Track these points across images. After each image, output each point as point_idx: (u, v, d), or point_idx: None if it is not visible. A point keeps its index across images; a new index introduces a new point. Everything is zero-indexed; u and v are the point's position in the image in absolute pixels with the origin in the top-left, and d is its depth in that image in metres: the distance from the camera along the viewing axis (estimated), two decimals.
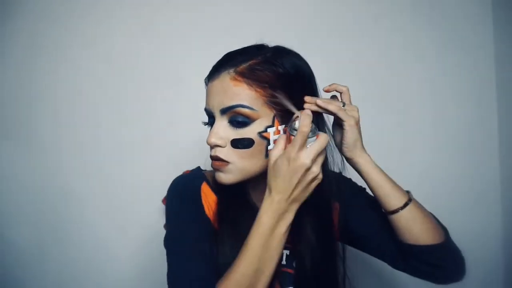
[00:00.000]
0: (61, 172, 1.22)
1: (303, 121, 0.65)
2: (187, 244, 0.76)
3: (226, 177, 0.73)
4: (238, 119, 0.70)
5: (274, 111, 0.72)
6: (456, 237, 1.30)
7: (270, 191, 0.66)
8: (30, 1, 1.23)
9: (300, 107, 0.73)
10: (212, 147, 0.73)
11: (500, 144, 1.30)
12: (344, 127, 0.75)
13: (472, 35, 1.30)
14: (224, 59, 0.75)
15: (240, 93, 0.70)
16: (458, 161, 1.29)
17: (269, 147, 0.71)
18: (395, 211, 0.77)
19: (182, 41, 1.25)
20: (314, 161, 0.66)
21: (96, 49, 1.23)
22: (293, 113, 0.71)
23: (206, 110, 0.76)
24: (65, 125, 1.22)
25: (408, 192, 0.82)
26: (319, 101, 0.73)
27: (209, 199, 0.81)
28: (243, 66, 0.71)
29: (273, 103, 0.71)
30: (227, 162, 0.72)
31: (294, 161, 0.64)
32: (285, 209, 0.66)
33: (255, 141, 0.71)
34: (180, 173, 1.05)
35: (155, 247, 1.18)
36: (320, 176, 0.68)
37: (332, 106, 0.74)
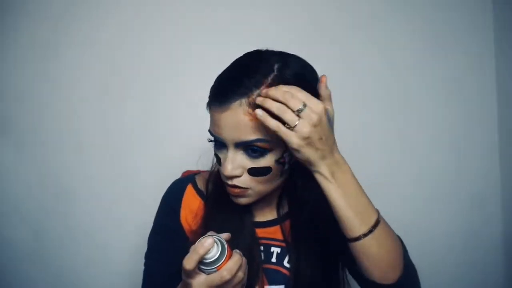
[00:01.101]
0: (60, 172, 1.21)
1: (198, 247, 0.60)
2: (151, 258, 0.83)
3: (245, 200, 0.73)
4: (255, 149, 0.67)
5: None
6: (456, 237, 1.31)
7: None
8: (30, 0, 1.23)
9: None
10: (229, 177, 0.70)
11: (500, 143, 1.29)
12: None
13: (472, 34, 1.30)
14: (230, 85, 0.67)
15: (257, 127, 0.65)
16: (457, 161, 1.29)
17: (285, 167, 0.72)
18: (357, 239, 0.65)
19: (182, 40, 1.25)
20: None
21: (95, 48, 1.23)
22: None
23: (215, 137, 0.70)
24: (64, 125, 1.22)
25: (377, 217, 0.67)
26: (258, 112, 0.62)
27: (191, 204, 0.82)
28: (255, 95, 0.65)
29: None
30: (246, 189, 0.71)
31: (187, 286, 0.62)
32: None
33: (272, 168, 0.69)
34: (179, 174, 1.05)
35: None
36: None
37: (272, 123, 0.61)
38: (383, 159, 1.28)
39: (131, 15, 1.23)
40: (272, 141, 0.66)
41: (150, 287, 0.82)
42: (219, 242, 0.62)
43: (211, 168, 0.87)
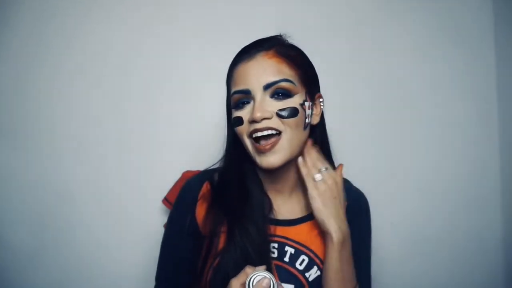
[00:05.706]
0: (60, 172, 1.21)
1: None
2: (168, 252, 0.84)
3: (277, 157, 0.75)
4: (281, 92, 0.74)
5: (306, 88, 0.78)
6: (456, 238, 1.31)
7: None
8: (31, 1, 1.23)
9: (313, 91, 0.80)
10: (259, 121, 0.73)
11: (500, 144, 1.29)
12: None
13: (472, 35, 1.30)
14: (254, 44, 0.79)
15: (283, 69, 0.75)
16: (457, 161, 1.29)
17: (307, 120, 0.77)
18: None
19: (184, 41, 1.24)
20: None
21: (96, 48, 1.23)
22: (315, 93, 0.81)
23: (240, 91, 0.76)
24: (64, 125, 1.22)
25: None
26: (300, 159, 0.79)
27: (208, 199, 0.82)
28: (275, 48, 0.77)
29: (304, 82, 0.77)
30: (279, 134, 0.74)
31: None
32: None
33: (299, 110, 0.75)
34: (179, 174, 1.06)
35: (155, 247, 1.19)
36: None
37: (304, 169, 0.79)
38: (382, 160, 1.28)
39: (135, 15, 1.23)
40: (295, 84, 0.75)
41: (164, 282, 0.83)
42: (275, 284, 0.66)
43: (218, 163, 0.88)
